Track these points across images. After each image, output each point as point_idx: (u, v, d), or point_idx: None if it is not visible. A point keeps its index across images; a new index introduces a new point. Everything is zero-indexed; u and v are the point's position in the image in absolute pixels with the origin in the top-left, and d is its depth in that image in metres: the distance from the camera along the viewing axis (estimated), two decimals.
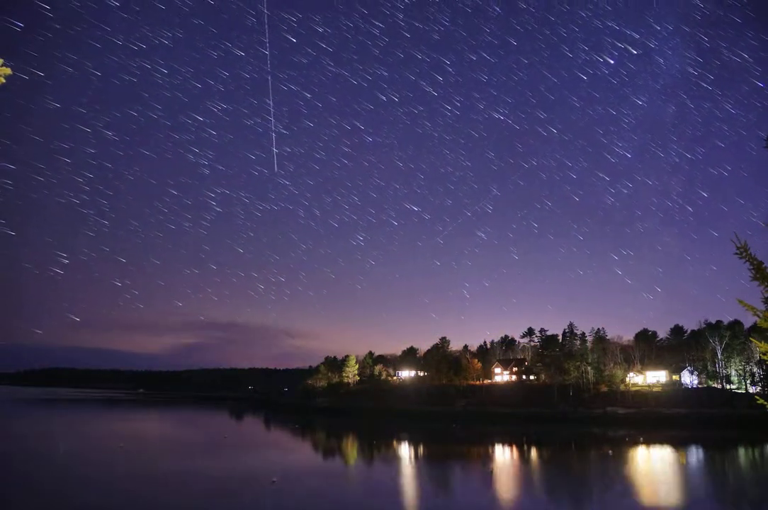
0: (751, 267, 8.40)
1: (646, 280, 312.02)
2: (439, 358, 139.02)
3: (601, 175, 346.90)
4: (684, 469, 53.40)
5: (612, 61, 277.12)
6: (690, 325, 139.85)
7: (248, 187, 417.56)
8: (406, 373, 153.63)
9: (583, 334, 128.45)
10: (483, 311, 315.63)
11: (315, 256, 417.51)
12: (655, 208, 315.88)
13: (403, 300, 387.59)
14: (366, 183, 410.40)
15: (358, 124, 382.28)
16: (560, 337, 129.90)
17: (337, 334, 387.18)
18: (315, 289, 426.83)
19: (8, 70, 6.31)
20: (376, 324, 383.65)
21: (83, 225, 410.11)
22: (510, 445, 75.41)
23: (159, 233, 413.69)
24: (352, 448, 71.17)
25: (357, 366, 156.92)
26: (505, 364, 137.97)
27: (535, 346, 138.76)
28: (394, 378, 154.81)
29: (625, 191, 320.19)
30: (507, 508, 36.15)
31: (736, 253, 8.45)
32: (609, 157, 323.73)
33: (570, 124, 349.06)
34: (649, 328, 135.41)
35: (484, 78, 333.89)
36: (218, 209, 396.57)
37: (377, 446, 71.03)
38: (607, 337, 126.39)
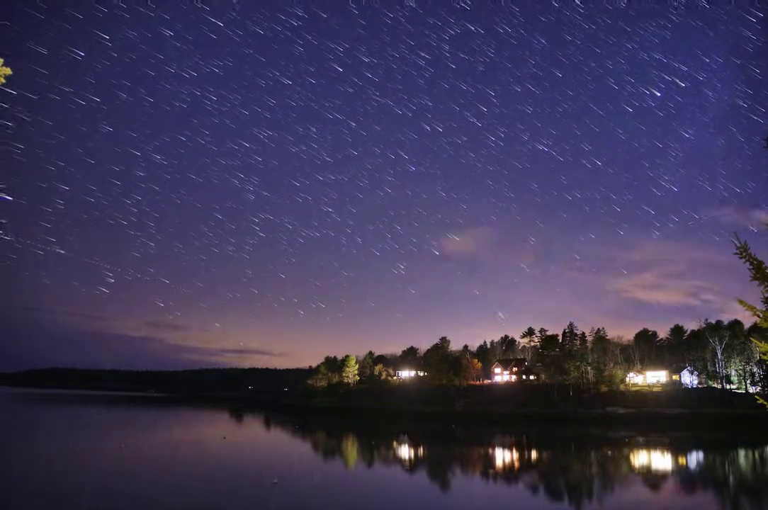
0: (751, 267, 8.41)
1: None
2: (439, 358, 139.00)
3: (646, 208, 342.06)
4: (684, 469, 53.38)
5: (659, 94, 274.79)
6: (690, 325, 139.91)
7: (292, 214, 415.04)
8: (406, 373, 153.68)
9: (583, 334, 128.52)
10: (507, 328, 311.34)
11: (356, 284, 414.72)
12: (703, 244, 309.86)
13: (419, 314, 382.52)
14: (408, 212, 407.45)
15: (402, 153, 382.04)
16: (560, 337, 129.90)
17: (337, 336, 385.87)
18: (354, 317, 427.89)
19: (8, 70, 6.31)
20: (377, 324, 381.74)
21: (130, 246, 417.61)
22: (510, 445, 75.42)
23: (203, 256, 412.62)
24: (352, 449, 71.13)
25: (357, 366, 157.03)
26: (505, 364, 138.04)
27: (535, 346, 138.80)
28: (394, 378, 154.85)
29: (671, 225, 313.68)
30: (506, 509, 36.14)
31: (736, 253, 8.46)
32: (655, 190, 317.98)
33: (615, 156, 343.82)
34: (649, 328, 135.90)
35: (529, 109, 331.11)
36: (262, 234, 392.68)
37: (377, 446, 71.01)
38: (607, 337, 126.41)
